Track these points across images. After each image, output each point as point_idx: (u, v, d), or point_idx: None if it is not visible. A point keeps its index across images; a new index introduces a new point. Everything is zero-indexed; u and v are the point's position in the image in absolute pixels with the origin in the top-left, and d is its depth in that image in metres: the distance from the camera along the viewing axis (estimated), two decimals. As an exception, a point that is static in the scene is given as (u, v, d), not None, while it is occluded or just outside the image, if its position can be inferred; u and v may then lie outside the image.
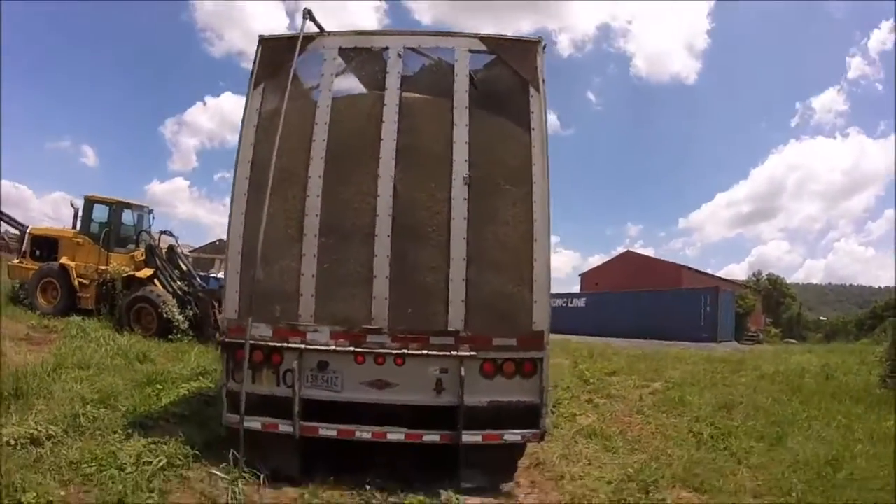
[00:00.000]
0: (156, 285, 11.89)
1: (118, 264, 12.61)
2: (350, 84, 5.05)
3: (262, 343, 4.39)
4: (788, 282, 67.49)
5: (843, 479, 4.59)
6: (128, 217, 13.71)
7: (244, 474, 4.09)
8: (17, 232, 25.57)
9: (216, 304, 10.72)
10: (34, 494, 3.56)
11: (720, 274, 59.19)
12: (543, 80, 4.69)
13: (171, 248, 12.47)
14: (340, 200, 4.54)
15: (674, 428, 6.29)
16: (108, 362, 7.77)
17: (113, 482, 3.86)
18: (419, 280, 4.41)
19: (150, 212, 14.55)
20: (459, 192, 4.45)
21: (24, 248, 14.00)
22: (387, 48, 4.79)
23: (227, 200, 4.91)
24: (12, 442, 4.36)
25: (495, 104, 4.76)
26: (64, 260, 12.66)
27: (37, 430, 4.58)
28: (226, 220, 4.75)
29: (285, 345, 4.37)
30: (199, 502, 3.92)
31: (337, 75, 4.86)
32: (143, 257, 12.57)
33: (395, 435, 4.31)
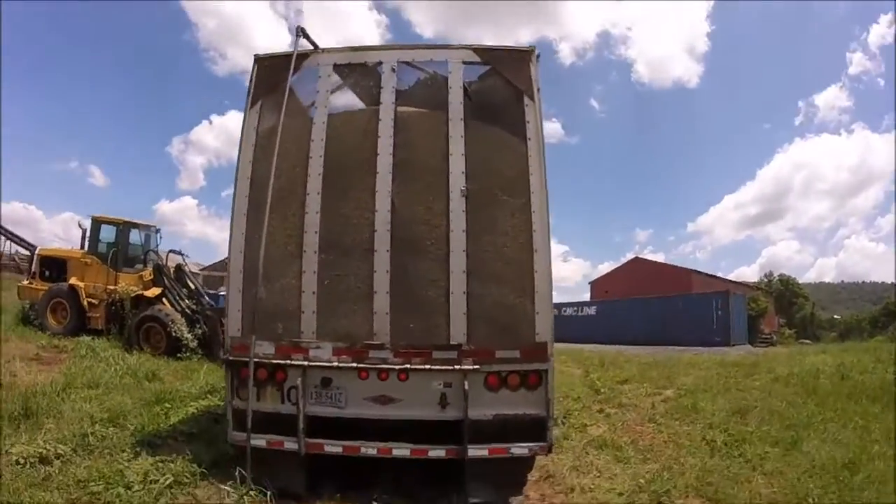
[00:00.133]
0: (164, 304, 11.95)
1: (127, 284, 12.71)
2: (346, 100, 5.06)
3: (266, 360, 4.40)
4: (800, 282, 67.02)
5: (861, 482, 4.49)
6: (135, 237, 13.82)
7: (251, 492, 4.10)
8: (27, 253, 25.95)
9: (224, 323, 10.72)
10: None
11: (731, 277, 58.83)
12: (538, 89, 4.67)
13: (179, 267, 12.52)
14: (339, 216, 4.54)
15: (687, 436, 6.19)
16: (117, 381, 7.82)
17: (120, 500, 3.90)
18: (420, 294, 4.39)
19: (158, 231, 14.68)
20: (457, 205, 4.44)
21: (33, 269, 14.16)
22: (381, 63, 4.80)
23: (233, 219, 4.93)
24: (21, 460, 4.42)
25: (491, 115, 4.75)
26: (73, 280, 12.77)
27: (46, 448, 4.64)
28: (233, 238, 4.78)
29: (288, 362, 4.38)
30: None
31: (332, 91, 4.88)
32: (152, 277, 12.64)
33: (401, 451, 4.27)
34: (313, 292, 4.45)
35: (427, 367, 4.26)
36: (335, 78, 4.91)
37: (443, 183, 4.50)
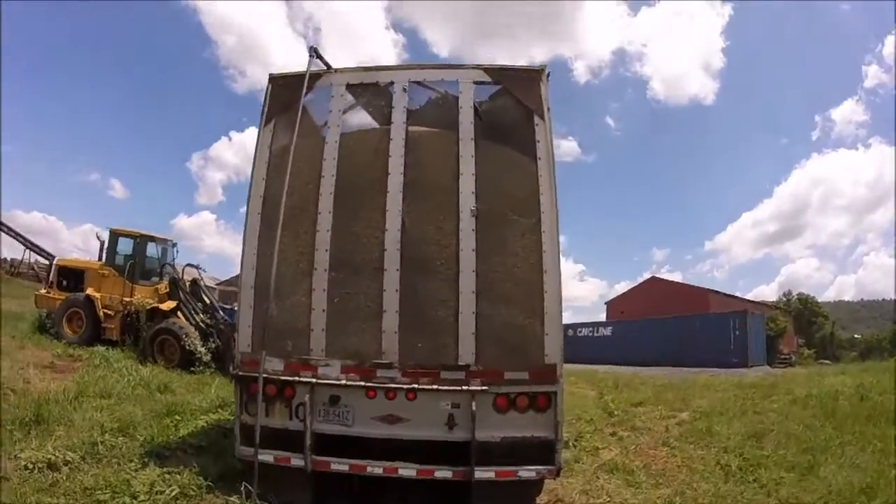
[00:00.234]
0: (179, 318, 12.06)
1: (142, 296, 12.83)
2: (358, 119, 5.11)
3: (275, 377, 4.42)
4: (819, 300, 65.73)
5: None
6: (152, 250, 13.98)
7: (257, 507, 4.08)
8: (46, 262, 26.44)
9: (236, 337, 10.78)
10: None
11: (749, 296, 57.84)
12: (548, 109, 4.67)
13: (194, 282, 12.65)
14: (350, 235, 4.57)
15: (700, 460, 6.06)
16: (129, 392, 7.88)
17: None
18: (429, 314, 4.38)
19: (174, 245, 14.83)
20: (467, 225, 4.44)
21: (51, 279, 14.39)
22: (392, 83, 4.84)
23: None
24: (30, 465, 4.47)
25: (501, 134, 4.75)
26: (90, 291, 12.93)
27: (55, 455, 4.68)
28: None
29: (297, 379, 4.39)
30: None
31: (345, 111, 4.93)
32: (167, 290, 12.79)
33: (407, 470, 4.24)
34: (323, 310, 4.47)
35: (435, 387, 4.24)
36: (348, 97, 4.96)
37: (453, 202, 4.50)
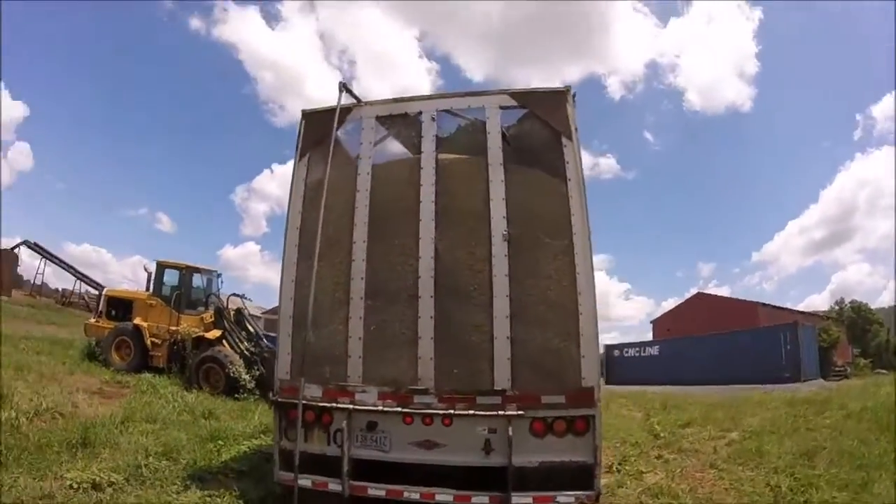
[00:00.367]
0: (224, 346, 12.32)
1: (188, 325, 13.22)
2: (389, 149, 5.23)
3: (313, 403, 4.50)
4: (873, 307, 61.90)
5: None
6: (197, 281, 14.40)
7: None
8: (96, 292, 27.64)
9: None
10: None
11: (801, 306, 55.43)
12: (576, 129, 4.67)
13: (239, 311, 12.93)
14: (384, 264, 4.65)
15: (749, 482, 5.82)
16: (174, 417, 8.06)
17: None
18: (463, 339, 4.40)
19: (219, 276, 15.25)
20: (500, 250, 4.45)
21: (100, 308, 14.93)
22: (421, 113, 4.95)
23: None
24: (75, 485, 4.62)
25: (529, 158, 4.78)
26: (137, 320, 13.36)
27: (100, 476, 4.83)
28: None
29: (335, 405, 4.46)
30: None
31: (376, 143, 5.07)
32: (212, 319, 13.13)
33: (444, 496, 4.23)
34: (359, 338, 4.55)
35: (471, 412, 4.23)
36: (378, 129, 5.09)
37: (484, 228, 4.53)
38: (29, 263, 42.27)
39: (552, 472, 4.16)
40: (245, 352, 12.09)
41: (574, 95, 4.81)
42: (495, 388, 4.24)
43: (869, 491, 5.10)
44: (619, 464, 6.65)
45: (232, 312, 12.83)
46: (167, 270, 14.10)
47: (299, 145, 5.14)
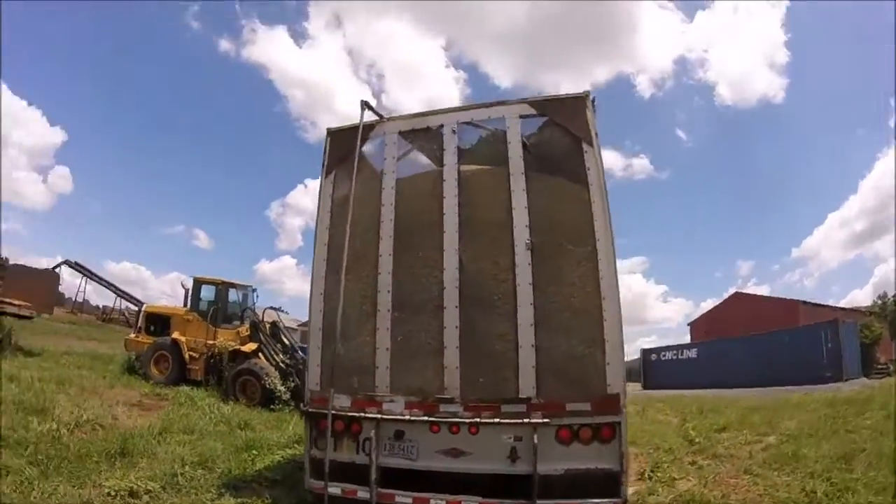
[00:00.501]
0: (260, 358, 12.59)
1: (225, 339, 13.57)
2: (412, 163, 5.32)
3: (343, 413, 4.62)
4: (918, 299, 59.02)
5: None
6: (233, 296, 14.80)
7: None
8: (135, 308, 28.59)
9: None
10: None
11: (843, 302, 52.96)
12: (596, 134, 4.67)
13: (274, 324, 13.24)
14: (410, 276, 4.75)
15: (785, 487, 5.68)
16: (211, 428, 8.23)
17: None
18: (488, 348, 4.45)
19: (254, 290, 15.59)
20: (523, 258, 4.49)
21: (139, 324, 15.51)
22: (442, 126, 5.04)
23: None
24: (112, 493, 4.79)
25: (551, 165, 4.80)
26: (176, 335, 13.80)
27: (137, 484, 5.00)
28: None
29: (363, 414, 4.57)
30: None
31: (399, 157, 5.18)
32: (248, 332, 13.44)
33: None
34: (387, 349, 4.65)
35: (497, 420, 4.27)
36: (401, 144, 5.21)
37: (507, 237, 4.58)
38: (70, 282, 44.09)
39: (578, 479, 4.16)
40: (280, 364, 12.33)
41: (594, 101, 4.81)
42: (520, 396, 4.28)
43: (907, 496, 4.91)
44: (652, 470, 6.56)
45: (268, 325, 13.12)
46: (204, 286, 14.57)
47: (325, 163, 5.30)
